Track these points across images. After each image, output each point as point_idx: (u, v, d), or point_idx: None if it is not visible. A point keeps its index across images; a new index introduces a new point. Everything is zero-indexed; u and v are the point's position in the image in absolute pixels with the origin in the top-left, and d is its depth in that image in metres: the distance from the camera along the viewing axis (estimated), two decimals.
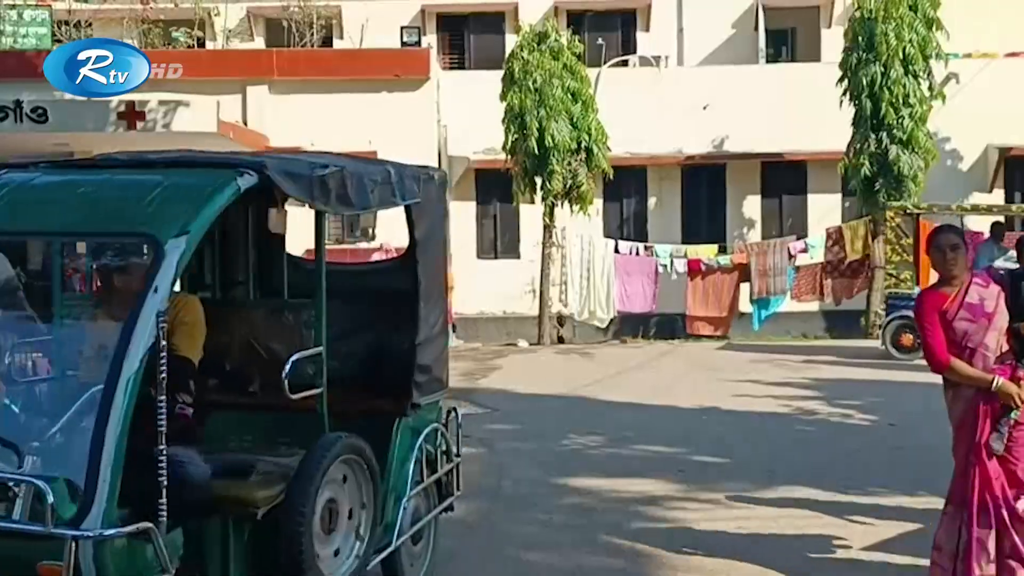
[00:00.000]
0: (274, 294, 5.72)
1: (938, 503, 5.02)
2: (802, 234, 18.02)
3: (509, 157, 16.76)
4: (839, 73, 16.57)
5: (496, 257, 18.73)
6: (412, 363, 4.95)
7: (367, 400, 5.08)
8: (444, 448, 5.41)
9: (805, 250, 17.34)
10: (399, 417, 4.92)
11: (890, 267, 14.78)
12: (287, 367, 4.15)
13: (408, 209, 5.17)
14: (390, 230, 17.51)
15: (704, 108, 18.59)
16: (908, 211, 14.66)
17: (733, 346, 16.64)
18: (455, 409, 5.66)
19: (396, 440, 4.86)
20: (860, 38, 16.17)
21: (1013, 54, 19.34)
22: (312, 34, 19.98)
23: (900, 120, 15.94)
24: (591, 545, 6.28)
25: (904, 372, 12.43)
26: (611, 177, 17.13)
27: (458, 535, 6.54)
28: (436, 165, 17.91)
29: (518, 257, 18.58)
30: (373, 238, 17.68)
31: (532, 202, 17.10)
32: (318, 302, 4.52)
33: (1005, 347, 4.83)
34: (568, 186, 16.56)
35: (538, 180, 16.54)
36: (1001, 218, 15.11)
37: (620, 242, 17.81)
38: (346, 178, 4.50)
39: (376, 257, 17.00)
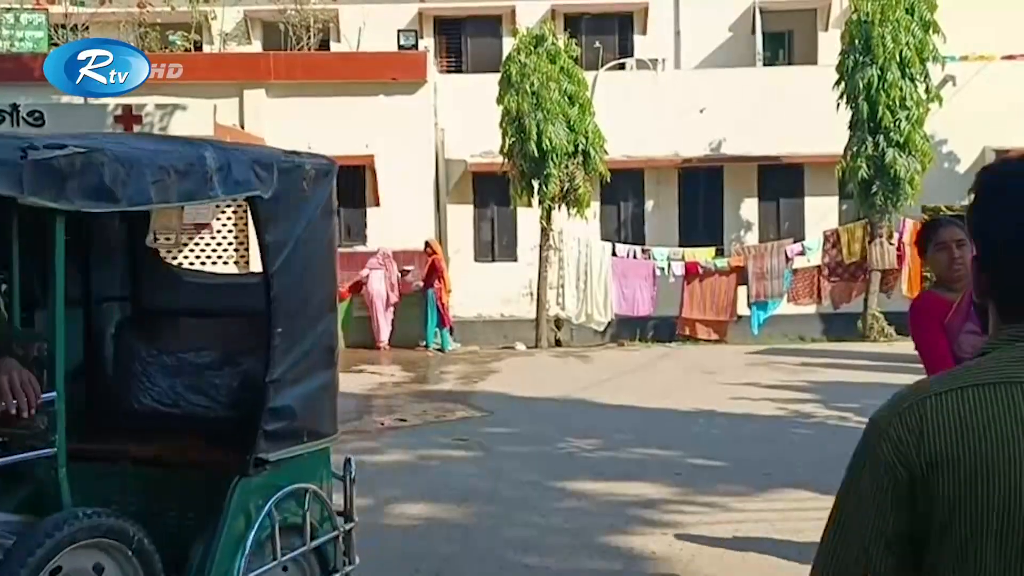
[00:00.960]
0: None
1: None
2: (799, 237, 18.03)
3: (506, 160, 16.75)
4: (836, 76, 16.59)
5: (493, 260, 18.72)
6: (262, 407, 3.90)
7: (206, 452, 4.10)
8: (320, 516, 4.41)
9: (802, 253, 17.35)
10: (238, 476, 3.86)
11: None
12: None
13: (253, 206, 3.96)
14: (389, 232, 17.57)
15: (701, 111, 18.59)
16: (943, 213, 14.43)
17: (730, 349, 16.64)
18: (350, 460, 4.75)
19: (229, 505, 3.82)
20: (857, 41, 16.19)
21: (1010, 57, 19.35)
22: (309, 37, 19.99)
23: (897, 123, 15.95)
24: (588, 548, 6.27)
25: (901, 375, 12.43)
26: (608, 180, 17.13)
27: (455, 538, 6.53)
28: (433, 168, 17.97)
29: (515, 260, 18.57)
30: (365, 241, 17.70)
31: (529, 205, 17.10)
32: (51, 334, 3.39)
33: None
34: (565, 189, 16.56)
35: (535, 183, 16.53)
36: None
37: (617, 245, 17.80)
38: (102, 164, 3.33)
39: (372, 263, 17.04)
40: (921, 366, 4.08)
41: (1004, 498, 1.44)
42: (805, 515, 6.80)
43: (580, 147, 16.48)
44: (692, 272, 17.35)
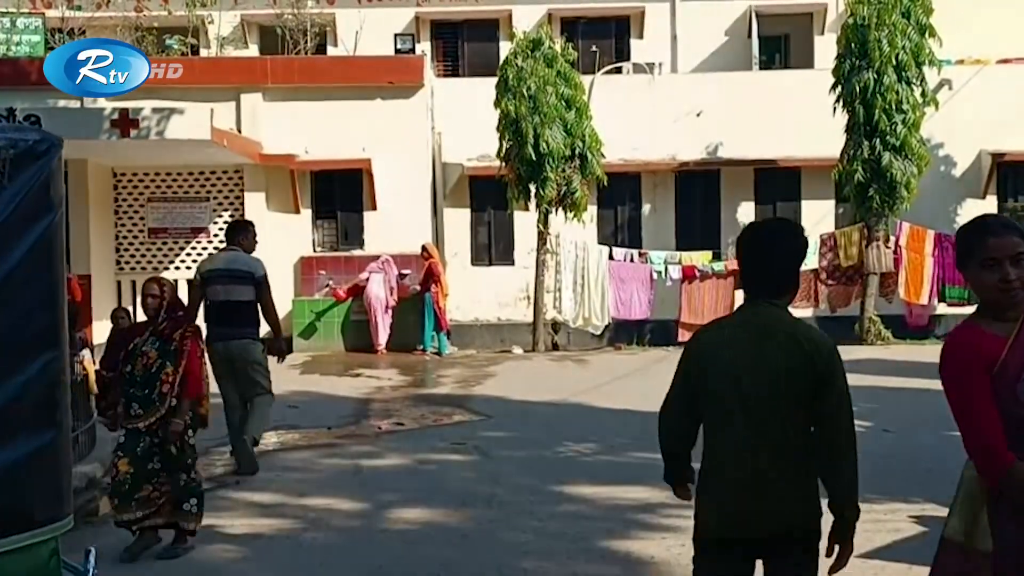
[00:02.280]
0: None
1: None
2: None
3: (503, 164, 16.75)
4: (832, 80, 16.60)
5: (490, 264, 18.71)
6: None
7: None
8: None
9: None
10: None
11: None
12: None
13: None
14: (386, 236, 17.56)
15: (698, 115, 18.61)
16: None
17: None
18: (91, 551, 3.51)
19: None
20: (853, 45, 16.21)
21: (1005, 60, 19.39)
22: (306, 41, 19.99)
23: (893, 126, 15.97)
24: (587, 553, 6.26)
25: (899, 378, 12.43)
26: (605, 184, 17.13)
27: (453, 543, 6.53)
28: (430, 172, 17.96)
29: (512, 264, 18.57)
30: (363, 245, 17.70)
31: (526, 209, 17.10)
32: None
33: None
34: (562, 193, 16.57)
35: (532, 187, 16.53)
36: None
37: (614, 249, 17.81)
38: None
39: (373, 266, 17.02)
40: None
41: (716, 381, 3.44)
42: None
43: (577, 151, 16.48)
44: (689, 276, 17.36)
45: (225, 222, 17.59)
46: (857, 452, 3.38)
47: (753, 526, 3.40)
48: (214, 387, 7.67)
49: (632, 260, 17.60)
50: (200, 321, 8.05)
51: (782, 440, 3.33)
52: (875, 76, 15.90)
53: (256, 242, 9.01)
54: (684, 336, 17.47)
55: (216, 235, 17.64)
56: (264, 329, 8.83)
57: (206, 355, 7.33)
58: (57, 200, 3.09)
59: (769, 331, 3.40)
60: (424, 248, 17.00)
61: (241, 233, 8.86)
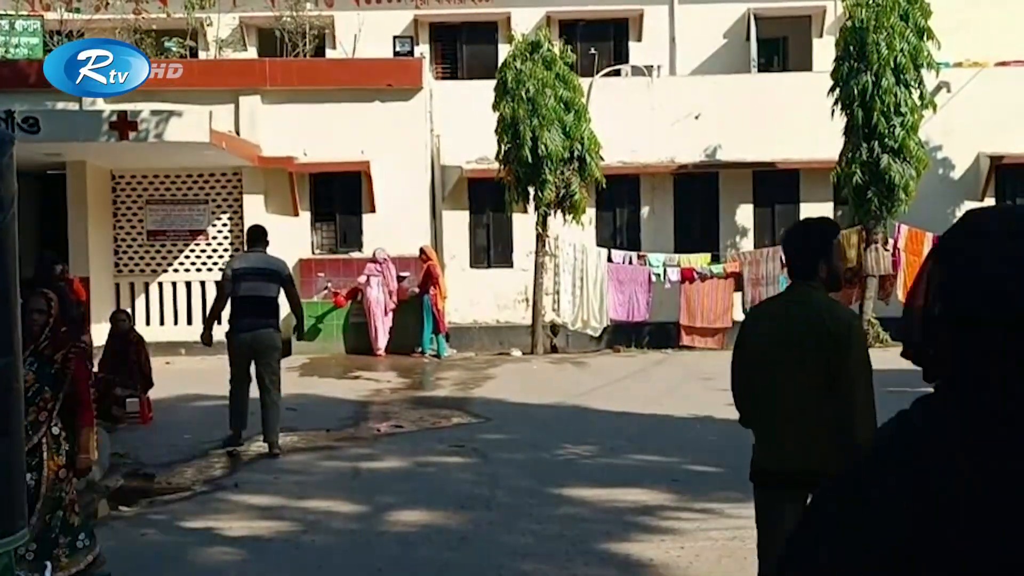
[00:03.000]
0: None
1: None
2: None
3: (502, 166, 16.75)
4: (831, 82, 16.61)
5: (489, 266, 18.71)
6: None
7: None
8: None
9: None
10: None
11: None
12: None
13: None
14: (384, 239, 17.55)
15: (696, 117, 18.62)
16: None
17: (727, 355, 16.59)
18: (46, 566, 3.24)
19: None
20: (851, 47, 16.22)
21: (1003, 63, 19.41)
22: (304, 44, 19.99)
23: (892, 129, 15.98)
24: (586, 555, 6.26)
25: (897, 380, 12.43)
26: (604, 186, 17.14)
27: (452, 545, 6.53)
28: (428, 175, 17.97)
29: (511, 266, 18.57)
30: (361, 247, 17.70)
31: (525, 211, 17.10)
32: None
33: None
34: (561, 195, 16.57)
35: (531, 189, 16.53)
36: None
37: (613, 251, 17.81)
38: None
39: (371, 269, 17.03)
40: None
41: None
42: None
43: (576, 153, 16.49)
44: (688, 278, 17.36)
45: (224, 224, 17.63)
46: (876, 421, 3.73)
47: (782, 462, 4.14)
48: None
49: (631, 262, 17.60)
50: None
51: (803, 396, 4.03)
52: (873, 79, 15.91)
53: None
54: (684, 339, 17.50)
55: (215, 237, 17.64)
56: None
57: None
58: (8, 199, 2.88)
59: (799, 305, 4.14)
60: (423, 251, 17.00)
61: (265, 236, 9.94)
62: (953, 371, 1.28)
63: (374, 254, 17.01)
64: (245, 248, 10.91)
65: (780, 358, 4.10)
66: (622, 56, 21.79)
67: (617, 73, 20.48)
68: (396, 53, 18.97)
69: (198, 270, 17.64)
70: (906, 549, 1.22)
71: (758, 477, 4.29)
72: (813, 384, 4.00)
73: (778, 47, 22.82)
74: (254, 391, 9.63)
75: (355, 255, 17.67)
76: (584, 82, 17.75)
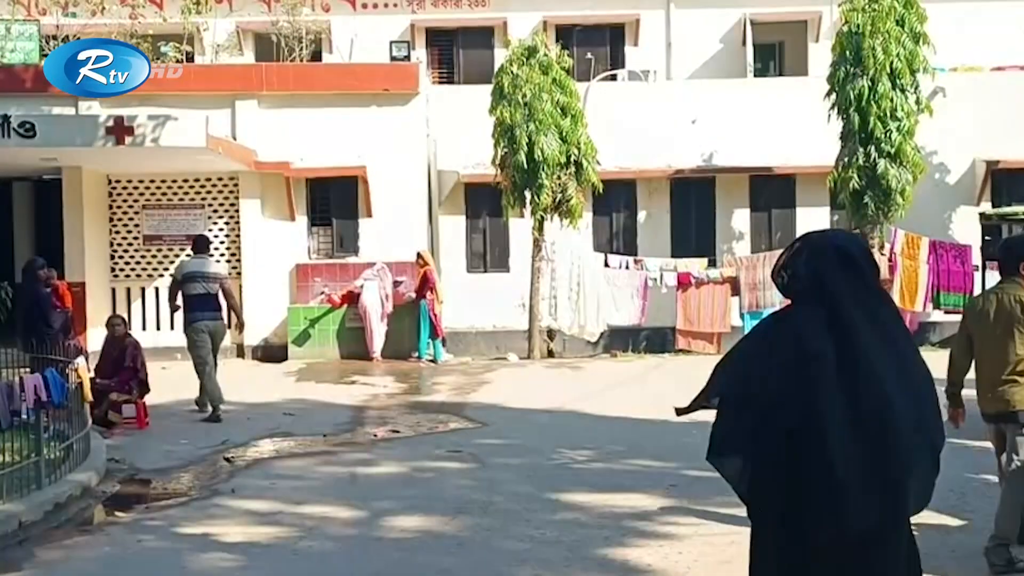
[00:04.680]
0: None
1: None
2: None
3: (499, 171, 16.75)
4: (827, 87, 16.63)
5: (486, 271, 18.69)
6: None
7: None
8: None
9: None
10: None
11: None
12: None
13: None
14: (381, 243, 17.55)
15: (693, 122, 18.63)
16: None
17: None
18: None
19: None
20: (847, 52, 16.24)
21: (999, 68, 19.45)
22: (301, 49, 19.97)
23: (888, 134, 15.99)
24: (584, 560, 6.25)
25: None
26: (600, 191, 17.14)
27: (450, 551, 6.51)
28: (425, 179, 17.97)
29: (508, 271, 18.56)
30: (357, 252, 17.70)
31: (521, 216, 17.10)
32: None
33: None
34: (558, 200, 16.57)
35: (528, 194, 16.53)
36: None
37: (610, 256, 17.80)
38: None
39: (368, 273, 17.01)
40: None
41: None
42: None
43: (572, 158, 16.50)
44: (685, 283, 17.35)
45: (220, 229, 17.62)
46: None
47: (989, 408, 6.00)
48: None
49: (627, 267, 17.59)
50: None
51: (1002, 357, 5.88)
52: (870, 83, 15.93)
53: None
54: (682, 343, 17.49)
55: (210, 242, 17.59)
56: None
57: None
58: None
59: (997, 294, 5.98)
60: (419, 255, 16.99)
61: (208, 245, 12.71)
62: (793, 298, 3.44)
63: (372, 266, 17.06)
64: (192, 254, 12.92)
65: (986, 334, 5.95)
66: (618, 61, 21.81)
67: (614, 78, 20.51)
68: (393, 58, 18.94)
69: None
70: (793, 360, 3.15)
71: (983, 418, 6.12)
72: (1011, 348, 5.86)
73: (774, 52, 22.85)
74: None
75: (352, 260, 17.66)
76: (581, 87, 17.76)
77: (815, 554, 3.09)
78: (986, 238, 13.50)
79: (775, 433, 3.09)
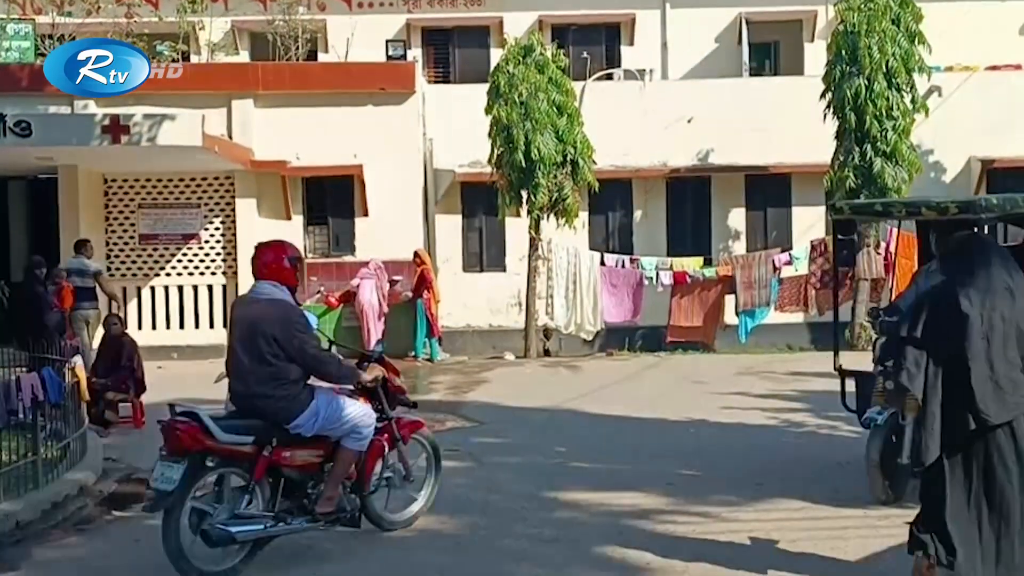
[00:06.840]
0: None
1: None
2: (786, 247, 18.06)
3: (495, 170, 16.76)
4: (823, 86, 16.66)
5: (482, 270, 18.71)
6: None
7: None
8: None
9: (790, 262, 17.37)
10: None
11: None
12: None
13: None
14: (377, 243, 17.55)
15: (688, 121, 18.65)
16: None
17: (719, 358, 16.65)
18: None
19: None
20: (843, 51, 16.26)
21: (994, 67, 19.48)
22: (297, 48, 19.97)
23: (884, 133, 16.02)
24: (581, 559, 6.26)
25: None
26: (596, 190, 17.15)
27: (448, 550, 6.52)
28: (421, 178, 17.97)
29: (504, 270, 18.57)
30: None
31: (518, 215, 17.10)
32: None
33: None
34: (554, 199, 16.58)
35: (524, 193, 16.54)
36: None
37: (606, 255, 17.81)
38: None
39: (364, 272, 17.00)
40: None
41: None
42: (798, 524, 6.81)
43: (568, 157, 16.50)
44: (680, 282, 17.36)
45: (216, 228, 17.61)
46: None
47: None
48: None
49: (624, 266, 17.60)
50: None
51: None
52: (865, 83, 15.96)
53: (93, 252, 14.53)
54: (674, 335, 17.49)
55: (207, 241, 17.61)
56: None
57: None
58: None
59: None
60: (416, 254, 16.99)
61: (86, 246, 14.26)
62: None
63: (368, 264, 17.03)
64: (73, 255, 14.25)
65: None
66: (614, 60, 21.82)
67: (609, 77, 20.53)
68: (389, 57, 18.96)
69: (190, 274, 17.61)
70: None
71: None
72: None
73: (770, 51, 22.87)
74: None
75: (348, 259, 17.65)
76: (577, 86, 17.78)
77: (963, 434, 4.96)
78: None
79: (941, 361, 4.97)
